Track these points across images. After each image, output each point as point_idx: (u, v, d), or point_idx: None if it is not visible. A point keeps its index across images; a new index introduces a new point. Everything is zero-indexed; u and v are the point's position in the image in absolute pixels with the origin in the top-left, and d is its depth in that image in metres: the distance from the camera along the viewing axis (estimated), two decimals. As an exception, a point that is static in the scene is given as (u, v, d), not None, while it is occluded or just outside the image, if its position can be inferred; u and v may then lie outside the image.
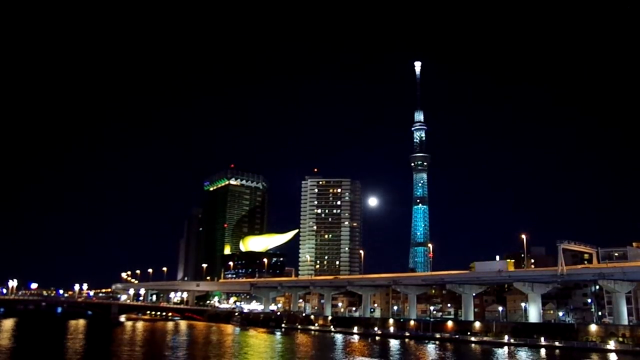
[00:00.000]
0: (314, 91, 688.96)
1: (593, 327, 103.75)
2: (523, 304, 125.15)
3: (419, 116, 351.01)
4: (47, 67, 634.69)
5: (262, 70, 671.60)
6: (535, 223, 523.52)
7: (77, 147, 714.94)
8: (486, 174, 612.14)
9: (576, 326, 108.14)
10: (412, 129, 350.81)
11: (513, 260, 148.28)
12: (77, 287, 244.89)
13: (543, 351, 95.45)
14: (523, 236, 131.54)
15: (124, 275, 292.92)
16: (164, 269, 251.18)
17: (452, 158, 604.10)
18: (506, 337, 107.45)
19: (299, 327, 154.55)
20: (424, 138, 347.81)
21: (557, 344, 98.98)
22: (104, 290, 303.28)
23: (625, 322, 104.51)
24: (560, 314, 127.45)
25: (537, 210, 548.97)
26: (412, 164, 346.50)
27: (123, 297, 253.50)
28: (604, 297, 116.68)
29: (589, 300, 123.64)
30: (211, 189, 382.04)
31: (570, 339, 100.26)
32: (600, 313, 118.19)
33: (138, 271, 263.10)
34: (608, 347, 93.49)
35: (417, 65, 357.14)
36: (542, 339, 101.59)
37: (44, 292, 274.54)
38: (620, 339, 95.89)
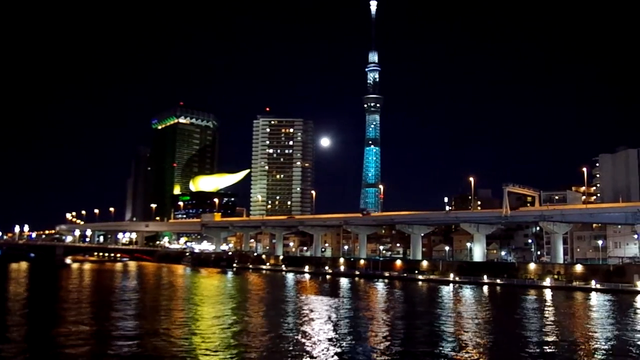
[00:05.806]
0: (267, 28, 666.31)
1: (532, 266, 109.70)
2: (469, 244, 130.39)
3: (373, 57, 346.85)
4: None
5: (213, 7, 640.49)
6: (483, 166, 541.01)
7: (18, 85, 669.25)
8: (438, 117, 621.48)
9: (517, 265, 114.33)
10: (366, 69, 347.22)
11: (220, 213, 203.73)
12: (17, 228, 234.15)
13: (485, 288, 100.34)
14: (471, 179, 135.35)
15: (68, 216, 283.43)
16: (111, 209, 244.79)
17: (405, 100, 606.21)
18: (452, 275, 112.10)
19: (251, 266, 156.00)
20: (377, 79, 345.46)
21: (498, 281, 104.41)
22: (47, 232, 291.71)
23: (561, 261, 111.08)
24: (503, 253, 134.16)
25: (485, 154, 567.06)
26: (365, 105, 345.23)
27: (68, 239, 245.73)
28: (544, 238, 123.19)
29: (530, 241, 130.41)
30: (159, 127, 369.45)
31: (511, 276, 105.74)
32: (539, 252, 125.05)
33: (84, 212, 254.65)
34: (544, 283, 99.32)
35: (373, 5, 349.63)
36: (485, 276, 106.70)
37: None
38: (556, 277, 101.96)
